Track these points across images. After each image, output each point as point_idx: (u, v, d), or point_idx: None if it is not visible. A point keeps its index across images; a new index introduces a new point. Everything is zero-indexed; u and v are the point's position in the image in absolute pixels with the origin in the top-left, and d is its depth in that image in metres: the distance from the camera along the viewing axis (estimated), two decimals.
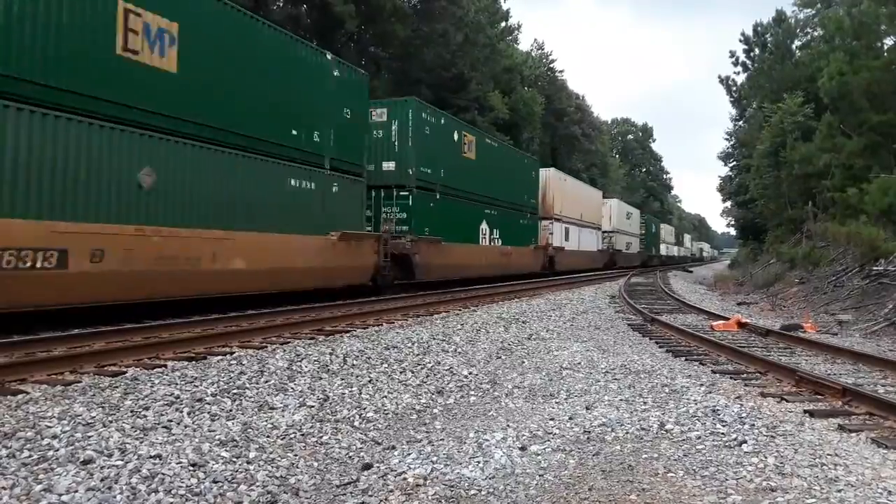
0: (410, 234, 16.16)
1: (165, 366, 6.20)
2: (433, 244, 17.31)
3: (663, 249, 64.77)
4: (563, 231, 30.31)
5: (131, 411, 4.59)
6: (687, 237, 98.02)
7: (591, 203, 35.98)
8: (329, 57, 13.51)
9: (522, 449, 4.24)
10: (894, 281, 13.78)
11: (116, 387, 5.24)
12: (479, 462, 3.97)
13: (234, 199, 10.78)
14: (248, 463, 3.87)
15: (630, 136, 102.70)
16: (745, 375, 6.83)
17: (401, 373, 6.54)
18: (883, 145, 20.82)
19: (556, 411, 5.23)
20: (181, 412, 4.65)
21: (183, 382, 5.50)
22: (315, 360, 6.69)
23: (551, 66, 56.69)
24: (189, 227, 9.88)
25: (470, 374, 6.73)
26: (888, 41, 22.69)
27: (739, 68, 45.46)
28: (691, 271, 49.68)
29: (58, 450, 3.73)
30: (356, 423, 4.87)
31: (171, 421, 4.44)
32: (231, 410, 4.84)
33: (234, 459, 3.89)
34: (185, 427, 4.36)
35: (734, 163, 51.40)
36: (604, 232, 39.02)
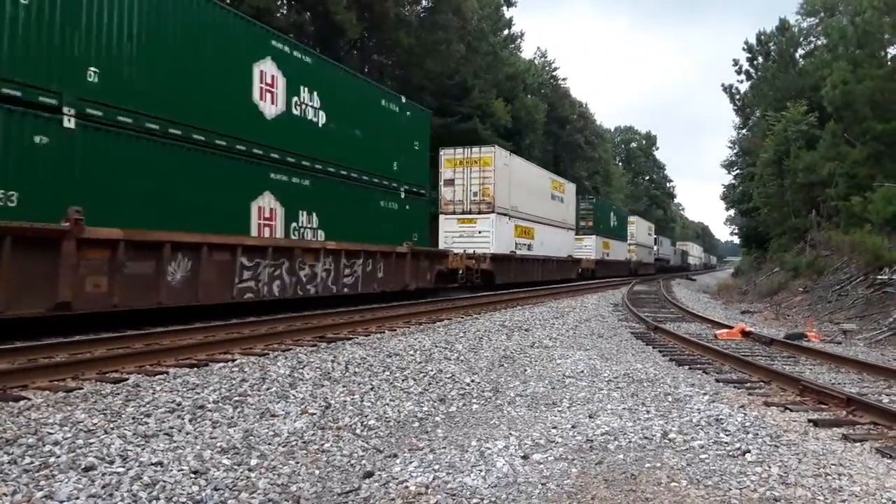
0: None
1: (167, 373, 6.19)
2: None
3: (524, 243, 24.43)
4: None
5: (133, 418, 4.58)
6: (646, 225, 57.83)
7: None
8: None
9: (525, 457, 4.21)
10: None
11: (118, 393, 5.24)
12: (481, 470, 3.95)
13: None
14: (250, 470, 3.86)
15: (633, 144, 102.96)
16: (748, 384, 6.80)
17: (403, 380, 6.52)
18: (887, 154, 20.82)
19: (558, 420, 5.20)
20: (183, 419, 4.65)
21: (185, 389, 5.49)
22: (317, 368, 6.68)
23: (554, 73, 56.93)
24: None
25: (472, 381, 6.71)
26: (892, 50, 22.77)
27: (743, 76, 45.56)
28: (695, 279, 49.56)
29: (59, 456, 3.73)
30: (358, 431, 4.85)
31: (172, 428, 4.43)
32: (233, 418, 4.83)
33: (236, 467, 3.88)
34: (187, 434, 4.35)
35: (737, 171, 51.36)
36: None
